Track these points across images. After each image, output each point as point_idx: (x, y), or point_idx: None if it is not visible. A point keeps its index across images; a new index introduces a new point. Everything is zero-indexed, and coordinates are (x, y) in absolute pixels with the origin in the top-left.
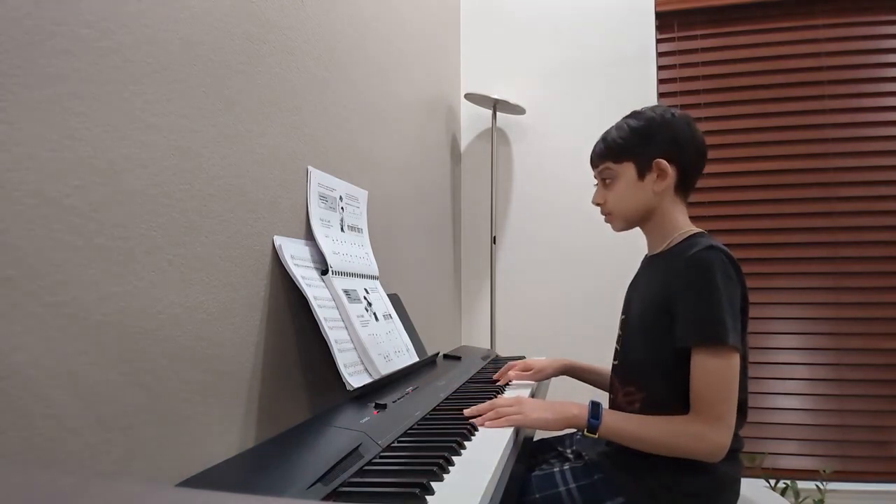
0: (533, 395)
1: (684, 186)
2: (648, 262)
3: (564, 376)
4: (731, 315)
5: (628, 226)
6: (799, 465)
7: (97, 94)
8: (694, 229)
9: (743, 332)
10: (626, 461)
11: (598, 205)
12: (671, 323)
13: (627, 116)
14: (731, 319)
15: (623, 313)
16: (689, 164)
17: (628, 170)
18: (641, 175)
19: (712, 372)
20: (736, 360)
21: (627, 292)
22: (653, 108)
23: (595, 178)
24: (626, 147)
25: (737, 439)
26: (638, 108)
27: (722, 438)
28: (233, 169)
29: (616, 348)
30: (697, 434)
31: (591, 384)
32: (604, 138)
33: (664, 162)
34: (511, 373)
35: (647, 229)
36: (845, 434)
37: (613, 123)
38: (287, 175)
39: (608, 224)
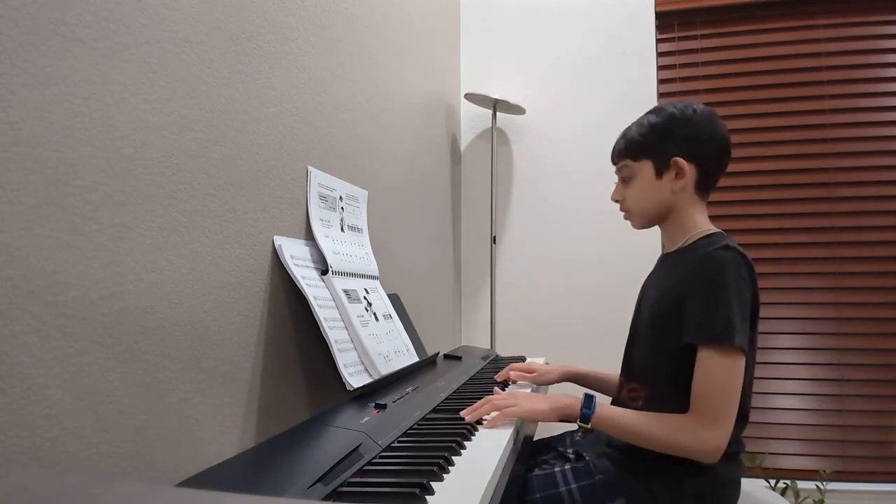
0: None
1: (704, 185)
2: (663, 259)
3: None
4: (741, 316)
5: (647, 224)
6: (799, 465)
7: (97, 94)
8: (712, 229)
9: (752, 335)
10: (627, 462)
11: (616, 202)
12: (680, 320)
13: (649, 112)
14: (740, 321)
15: (635, 310)
16: (708, 163)
17: (646, 168)
18: (659, 173)
19: (715, 371)
20: (741, 362)
21: (641, 289)
22: (674, 104)
23: (615, 174)
24: (645, 144)
25: (737, 441)
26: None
27: (717, 439)
28: (233, 169)
29: (626, 344)
30: (692, 432)
31: (595, 390)
32: (624, 135)
33: (682, 160)
34: (513, 373)
35: (664, 227)
36: (845, 434)
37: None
38: (287, 175)
39: (627, 221)
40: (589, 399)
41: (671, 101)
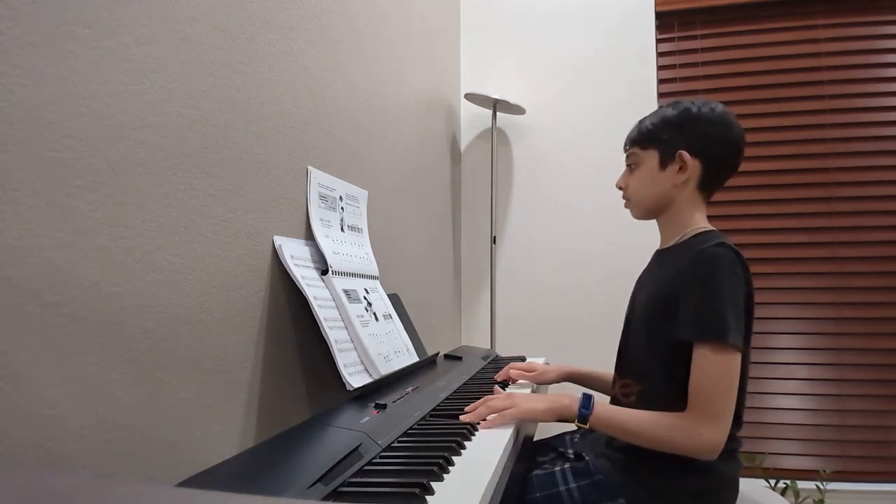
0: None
1: (707, 185)
2: (658, 256)
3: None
4: (735, 313)
5: (644, 215)
6: (799, 465)
7: (97, 94)
8: (708, 227)
9: (747, 334)
10: (626, 462)
11: (620, 188)
12: (674, 316)
13: (668, 105)
14: (734, 318)
15: (629, 306)
16: (715, 163)
17: (651, 157)
18: (663, 164)
19: (711, 368)
20: (736, 358)
21: (635, 285)
22: (694, 101)
23: (625, 162)
24: (655, 134)
25: (735, 440)
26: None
27: (716, 436)
28: (233, 169)
29: (619, 340)
30: (691, 430)
31: (593, 390)
32: (639, 123)
33: (687, 154)
34: (513, 372)
35: (661, 222)
36: (845, 434)
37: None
38: (287, 175)
39: (627, 210)
40: (587, 399)
41: (693, 99)
